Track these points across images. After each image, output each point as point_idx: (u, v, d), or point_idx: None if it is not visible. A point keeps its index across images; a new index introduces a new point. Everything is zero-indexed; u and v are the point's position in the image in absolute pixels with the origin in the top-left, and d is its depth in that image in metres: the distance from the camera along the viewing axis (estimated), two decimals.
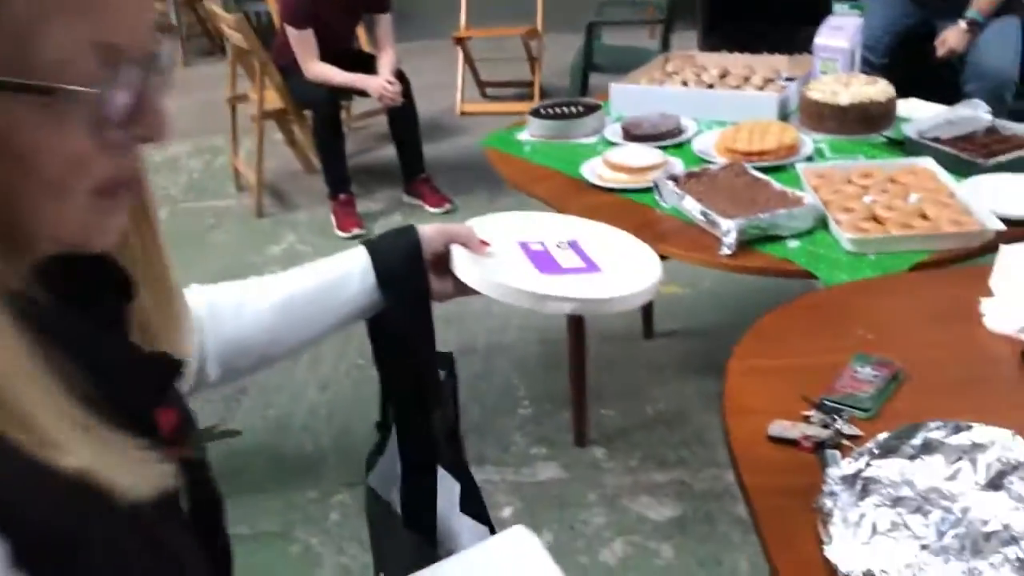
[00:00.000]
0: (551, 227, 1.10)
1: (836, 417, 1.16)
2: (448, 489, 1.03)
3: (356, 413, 2.58)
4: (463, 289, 0.97)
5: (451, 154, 4.32)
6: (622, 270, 1.02)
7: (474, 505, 1.06)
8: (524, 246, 1.04)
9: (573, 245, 1.06)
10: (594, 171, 2.11)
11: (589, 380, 2.39)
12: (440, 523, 1.02)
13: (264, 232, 3.81)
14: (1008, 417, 1.15)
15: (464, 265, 0.96)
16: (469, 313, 2.96)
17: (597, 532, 2.12)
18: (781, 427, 1.15)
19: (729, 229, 1.67)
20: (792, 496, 1.05)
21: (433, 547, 1.01)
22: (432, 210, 3.80)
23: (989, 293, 1.37)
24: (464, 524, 1.05)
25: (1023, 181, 1.83)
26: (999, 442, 0.97)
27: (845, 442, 1.12)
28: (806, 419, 1.17)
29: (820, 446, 1.11)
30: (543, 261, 1.02)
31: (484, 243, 1.00)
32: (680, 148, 2.22)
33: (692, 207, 1.77)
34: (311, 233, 3.76)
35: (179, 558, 0.61)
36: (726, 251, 1.66)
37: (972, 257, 1.63)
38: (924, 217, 1.70)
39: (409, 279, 0.94)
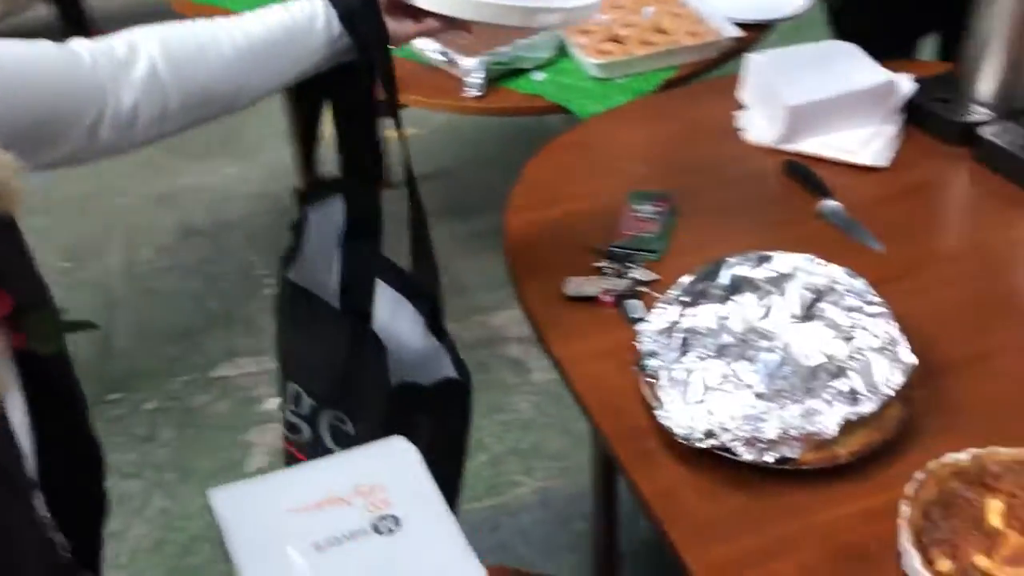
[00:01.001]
0: None
1: (629, 264, 1.10)
2: (393, 301, 1.06)
3: None
4: (423, 27, 0.94)
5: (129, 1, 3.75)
6: None
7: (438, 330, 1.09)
8: None
9: None
10: None
11: None
12: (385, 330, 1.01)
13: None
14: (785, 232, 1.15)
15: None
16: (184, 190, 2.65)
17: None
18: (576, 284, 1.08)
19: (472, 68, 1.53)
20: (606, 358, 0.99)
21: (367, 327, 0.98)
22: None
23: (741, 105, 1.35)
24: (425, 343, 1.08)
25: None
26: (801, 267, 0.95)
27: (644, 289, 1.06)
28: (599, 271, 1.10)
29: (621, 298, 1.06)
30: None
31: None
32: None
33: (428, 47, 1.60)
34: None
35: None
36: (475, 92, 1.53)
37: (717, 66, 1.61)
38: (662, 31, 1.65)
39: (371, 23, 0.90)
